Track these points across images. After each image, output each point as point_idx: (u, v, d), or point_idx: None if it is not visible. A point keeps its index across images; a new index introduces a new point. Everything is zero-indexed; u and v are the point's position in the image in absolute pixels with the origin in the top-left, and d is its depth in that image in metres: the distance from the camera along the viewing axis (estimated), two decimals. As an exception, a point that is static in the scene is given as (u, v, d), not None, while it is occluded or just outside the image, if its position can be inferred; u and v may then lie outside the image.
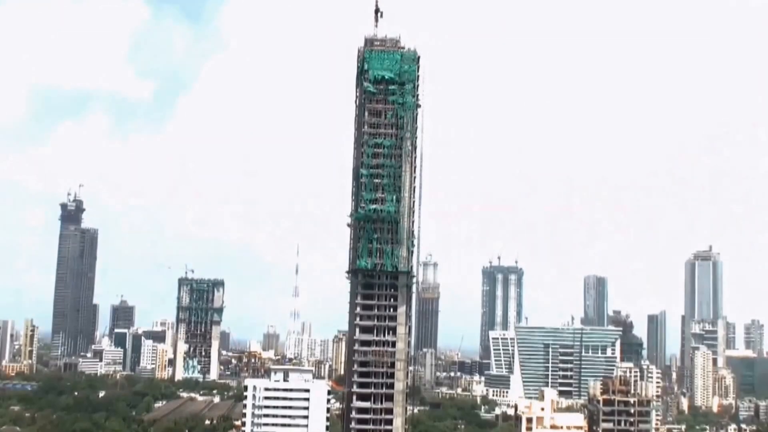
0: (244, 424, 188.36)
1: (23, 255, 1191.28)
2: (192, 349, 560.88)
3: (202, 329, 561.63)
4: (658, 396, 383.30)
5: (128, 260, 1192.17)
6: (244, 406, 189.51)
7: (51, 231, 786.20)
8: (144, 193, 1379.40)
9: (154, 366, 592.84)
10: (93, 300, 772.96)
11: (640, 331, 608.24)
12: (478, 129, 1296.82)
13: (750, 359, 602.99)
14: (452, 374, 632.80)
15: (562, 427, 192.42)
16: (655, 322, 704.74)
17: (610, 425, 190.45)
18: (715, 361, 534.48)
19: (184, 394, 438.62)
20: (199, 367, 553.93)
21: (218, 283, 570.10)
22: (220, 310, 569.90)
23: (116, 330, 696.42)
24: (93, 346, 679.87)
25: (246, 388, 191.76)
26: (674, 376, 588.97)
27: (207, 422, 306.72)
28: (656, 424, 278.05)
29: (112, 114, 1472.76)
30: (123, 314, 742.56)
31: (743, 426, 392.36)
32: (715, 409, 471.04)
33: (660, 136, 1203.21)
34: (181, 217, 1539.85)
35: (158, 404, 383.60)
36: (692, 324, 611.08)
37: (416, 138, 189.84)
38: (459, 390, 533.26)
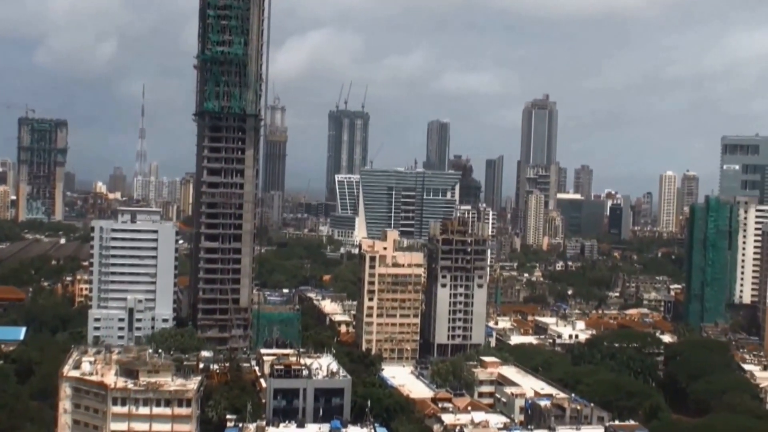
0: (91, 264, 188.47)
1: None
2: (35, 190, 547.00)
3: (46, 170, 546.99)
4: (493, 236, 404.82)
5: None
6: (91, 247, 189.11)
7: None
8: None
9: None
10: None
11: (479, 175, 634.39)
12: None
13: (578, 202, 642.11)
14: (299, 215, 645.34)
15: (403, 265, 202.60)
16: (492, 167, 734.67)
17: (448, 263, 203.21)
18: (546, 203, 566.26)
19: (29, 236, 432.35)
20: (43, 208, 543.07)
21: (61, 123, 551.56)
22: (63, 151, 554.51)
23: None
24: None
25: (93, 229, 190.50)
26: (509, 217, 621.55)
27: (54, 262, 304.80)
28: (491, 262, 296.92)
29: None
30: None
31: (569, 263, 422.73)
32: (544, 248, 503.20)
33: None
34: (26, 51, 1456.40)
35: (2, 245, 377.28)
36: (527, 169, 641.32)
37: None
38: (305, 230, 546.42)
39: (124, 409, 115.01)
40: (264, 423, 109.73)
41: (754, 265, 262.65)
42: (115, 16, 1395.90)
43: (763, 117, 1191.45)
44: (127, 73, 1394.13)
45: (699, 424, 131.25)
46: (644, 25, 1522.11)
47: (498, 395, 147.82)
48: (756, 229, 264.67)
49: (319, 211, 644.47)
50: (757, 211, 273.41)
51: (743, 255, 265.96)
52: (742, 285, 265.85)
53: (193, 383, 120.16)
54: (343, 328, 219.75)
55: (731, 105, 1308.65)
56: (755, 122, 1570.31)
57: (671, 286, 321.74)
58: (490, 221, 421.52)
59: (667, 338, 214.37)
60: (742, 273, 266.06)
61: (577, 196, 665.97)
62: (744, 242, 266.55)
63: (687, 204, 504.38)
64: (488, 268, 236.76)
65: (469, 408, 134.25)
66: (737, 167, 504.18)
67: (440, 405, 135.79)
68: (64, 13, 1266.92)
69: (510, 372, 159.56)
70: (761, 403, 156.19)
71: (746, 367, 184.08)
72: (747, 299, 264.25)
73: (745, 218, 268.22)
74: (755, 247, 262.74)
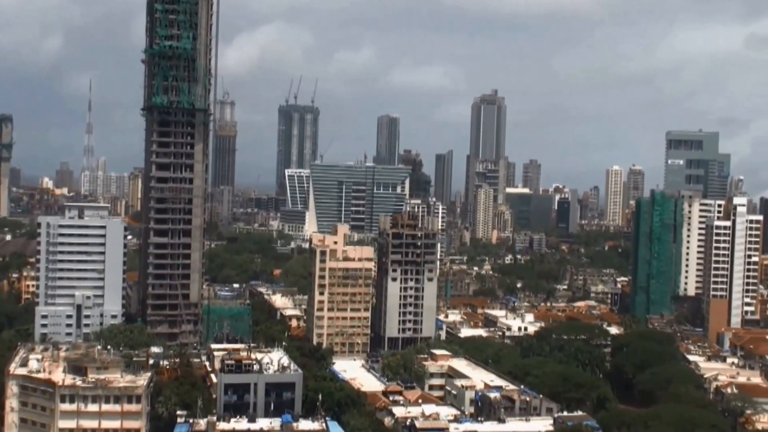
0: (38, 260, 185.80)
1: None
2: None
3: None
4: (443, 230, 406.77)
5: None
6: (38, 243, 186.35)
7: None
8: None
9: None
10: None
11: (429, 169, 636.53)
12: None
13: (527, 196, 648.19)
14: (249, 210, 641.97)
15: (354, 259, 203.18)
16: (442, 161, 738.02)
17: (398, 256, 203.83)
18: (495, 197, 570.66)
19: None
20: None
21: (6, 118, 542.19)
22: (9, 146, 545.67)
23: None
24: None
25: (39, 225, 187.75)
26: (458, 211, 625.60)
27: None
28: (441, 255, 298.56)
29: None
30: None
31: (518, 256, 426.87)
32: (494, 241, 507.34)
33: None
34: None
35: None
36: (476, 163, 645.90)
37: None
38: (256, 225, 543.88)
39: (73, 407, 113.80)
40: (215, 418, 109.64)
41: (698, 258, 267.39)
42: (61, 10, 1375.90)
43: (708, 113, 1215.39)
44: (73, 67, 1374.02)
45: (645, 414, 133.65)
46: (593, 22, 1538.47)
47: (448, 388, 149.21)
48: (700, 222, 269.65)
49: (269, 205, 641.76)
50: (701, 205, 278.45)
51: (688, 248, 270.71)
52: (686, 277, 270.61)
53: (142, 379, 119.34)
54: (293, 323, 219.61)
55: (678, 101, 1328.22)
56: (701, 118, 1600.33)
57: (618, 279, 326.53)
58: (440, 215, 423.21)
59: (614, 330, 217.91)
60: (687, 266, 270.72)
61: (526, 191, 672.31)
62: (688, 235, 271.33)
63: (633, 198, 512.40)
64: (438, 262, 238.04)
65: (420, 400, 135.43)
66: (681, 162, 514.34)
67: (391, 398, 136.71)
68: (8, 6, 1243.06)
69: (460, 365, 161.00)
70: (705, 393, 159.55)
71: (691, 357, 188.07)
72: (691, 291, 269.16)
73: (690, 212, 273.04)
74: (699, 240, 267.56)
